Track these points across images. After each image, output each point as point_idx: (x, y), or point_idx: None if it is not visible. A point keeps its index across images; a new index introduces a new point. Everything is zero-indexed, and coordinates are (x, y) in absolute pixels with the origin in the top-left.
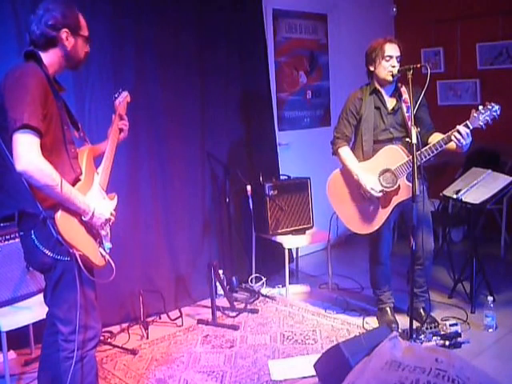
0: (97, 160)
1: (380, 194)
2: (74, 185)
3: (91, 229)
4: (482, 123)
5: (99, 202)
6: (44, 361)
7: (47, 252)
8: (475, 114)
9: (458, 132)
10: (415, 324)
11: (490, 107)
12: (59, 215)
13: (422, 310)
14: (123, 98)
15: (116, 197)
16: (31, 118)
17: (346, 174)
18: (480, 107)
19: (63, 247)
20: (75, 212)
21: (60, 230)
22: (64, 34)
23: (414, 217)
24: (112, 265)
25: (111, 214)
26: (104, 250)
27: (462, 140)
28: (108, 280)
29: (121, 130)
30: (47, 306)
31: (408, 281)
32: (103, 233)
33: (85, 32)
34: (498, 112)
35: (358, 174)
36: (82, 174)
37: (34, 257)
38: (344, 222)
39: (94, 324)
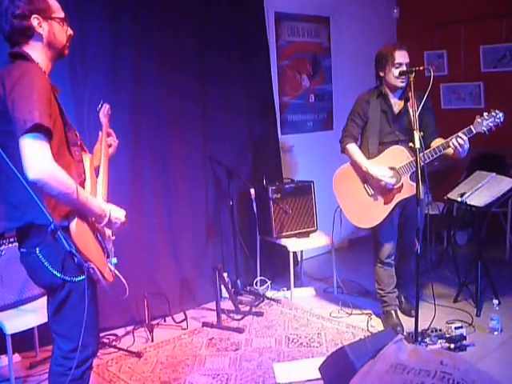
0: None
1: (393, 180)
2: None
3: (100, 242)
4: (485, 128)
5: (112, 206)
6: (49, 372)
7: (56, 273)
8: (479, 120)
9: (460, 137)
10: (420, 327)
11: (494, 114)
12: (74, 225)
13: (403, 298)
14: (106, 110)
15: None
16: (42, 116)
17: (354, 169)
18: (484, 113)
19: (74, 266)
20: (88, 221)
21: (75, 241)
22: (35, 20)
23: (418, 221)
24: (123, 281)
25: (125, 217)
26: (111, 264)
27: (463, 145)
28: (123, 297)
29: (109, 146)
30: (48, 321)
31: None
32: (110, 246)
33: (59, 13)
34: (502, 119)
35: (368, 166)
36: (86, 179)
37: (41, 277)
38: (346, 215)
39: (93, 341)
